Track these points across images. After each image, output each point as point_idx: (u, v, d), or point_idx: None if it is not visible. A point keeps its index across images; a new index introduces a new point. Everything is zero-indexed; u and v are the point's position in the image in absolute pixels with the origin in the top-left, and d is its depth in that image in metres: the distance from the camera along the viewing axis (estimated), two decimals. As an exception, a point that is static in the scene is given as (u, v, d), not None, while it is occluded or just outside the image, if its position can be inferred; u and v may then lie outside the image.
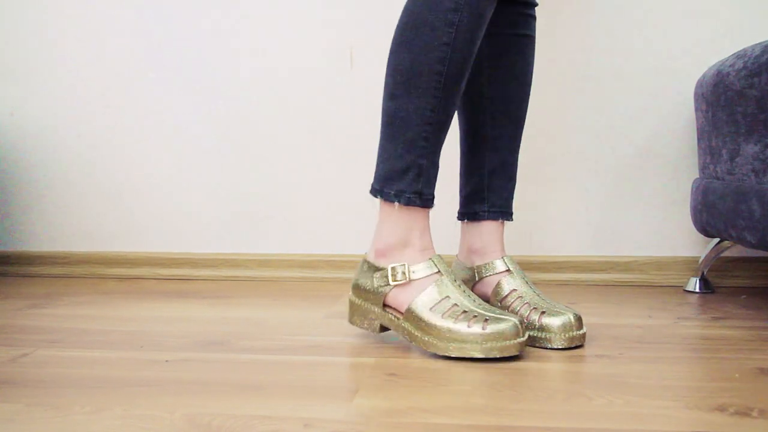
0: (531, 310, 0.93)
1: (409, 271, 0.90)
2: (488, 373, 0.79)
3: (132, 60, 1.51)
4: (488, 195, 1.05)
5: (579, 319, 0.90)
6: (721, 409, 0.67)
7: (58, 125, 1.55)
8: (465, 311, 0.85)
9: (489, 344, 0.83)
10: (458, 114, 1.08)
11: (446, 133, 0.93)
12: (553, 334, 0.89)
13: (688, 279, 1.30)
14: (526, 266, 1.38)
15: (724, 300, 1.19)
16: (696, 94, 1.19)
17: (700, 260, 1.26)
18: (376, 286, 0.92)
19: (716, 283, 1.31)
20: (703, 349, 0.88)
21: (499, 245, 1.04)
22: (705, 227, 1.16)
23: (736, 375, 0.77)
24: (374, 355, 0.87)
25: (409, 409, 0.68)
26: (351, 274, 1.44)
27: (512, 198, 1.08)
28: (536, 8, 1.07)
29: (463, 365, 0.82)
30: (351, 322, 0.96)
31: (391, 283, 0.90)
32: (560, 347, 0.89)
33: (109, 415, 0.68)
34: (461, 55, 0.89)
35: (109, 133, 1.54)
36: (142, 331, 1.02)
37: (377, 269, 0.92)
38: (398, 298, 0.90)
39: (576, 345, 0.89)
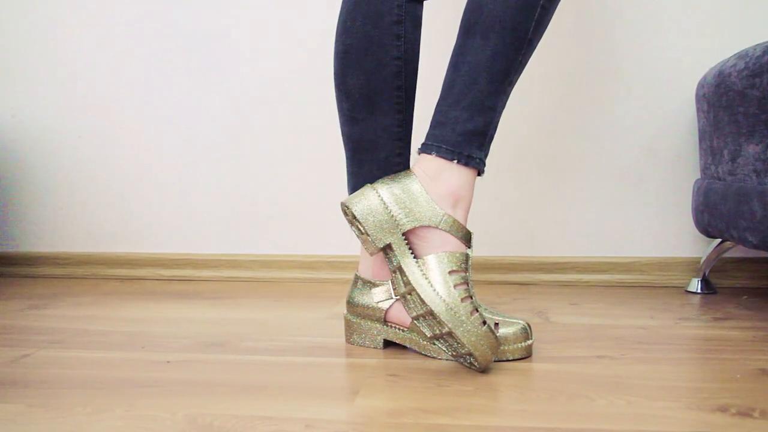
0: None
1: None
2: (490, 374, 0.79)
3: (133, 62, 1.51)
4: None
5: (529, 326, 0.86)
6: (723, 409, 0.67)
7: (60, 126, 1.56)
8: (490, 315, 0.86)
9: (502, 347, 0.83)
10: None
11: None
12: (510, 345, 0.84)
13: (690, 280, 1.30)
14: (527, 267, 1.38)
15: (725, 301, 1.19)
16: (697, 94, 1.19)
17: (702, 261, 1.26)
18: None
19: (718, 284, 1.31)
20: (705, 349, 0.88)
21: None
22: (706, 228, 1.16)
23: (738, 376, 0.77)
24: (375, 356, 0.87)
25: (411, 409, 0.68)
26: (352, 275, 1.44)
27: None
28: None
29: (464, 366, 0.82)
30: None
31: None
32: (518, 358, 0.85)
33: (111, 416, 0.68)
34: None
35: (111, 134, 1.54)
36: (144, 331, 1.02)
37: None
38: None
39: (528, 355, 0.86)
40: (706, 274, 1.27)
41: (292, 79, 1.46)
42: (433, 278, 0.79)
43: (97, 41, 1.52)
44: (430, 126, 0.85)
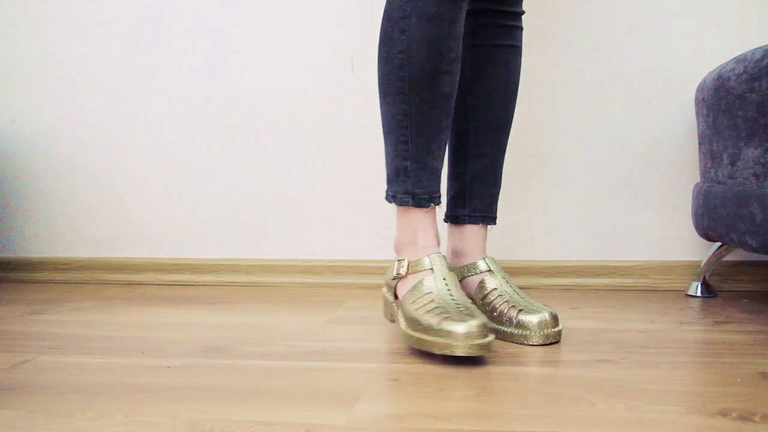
0: (509, 308, 0.96)
1: (407, 266, 0.95)
2: (490, 378, 0.79)
3: (134, 66, 1.51)
4: (470, 200, 1.08)
5: (555, 317, 0.94)
6: (724, 413, 0.67)
7: (60, 132, 1.56)
8: (438, 306, 0.87)
9: (447, 340, 0.82)
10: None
11: (434, 134, 0.95)
12: (529, 331, 0.93)
13: (690, 283, 1.30)
14: (528, 271, 1.38)
15: (725, 304, 1.19)
16: (697, 98, 1.20)
17: (702, 264, 1.26)
18: (389, 278, 1.00)
19: (718, 288, 1.31)
20: (705, 353, 0.88)
21: (479, 248, 1.07)
22: (706, 231, 1.16)
23: (739, 379, 0.77)
24: (376, 361, 0.87)
25: (412, 414, 0.68)
26: (352, 279, 1.44)
27: (495, 202, 1.09)
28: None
29: (465, 370, 0.82)
30: (384, 315, 1.04)
31: (396, 275, 0.96)
32: (536, 344, 0.93)
33: (111, 422, 0.68)
34: (418, 59, 0.91)
35: (111, 139, 1.54)
36: (144, 336, 1.02)
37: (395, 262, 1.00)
38: (399, 290, 0.97)
39: (551, 342, 0.93)
40: (707, 277, 1.27)
41: (293, 83, 1.46)
42: None
43: (97, 46, 1.52)
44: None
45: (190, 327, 1.08)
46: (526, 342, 0.93)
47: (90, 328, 1.09)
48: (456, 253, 1.08)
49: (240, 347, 0.95)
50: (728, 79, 1.05)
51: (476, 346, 0.82)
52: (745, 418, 0.65)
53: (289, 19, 1.45)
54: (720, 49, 1.30)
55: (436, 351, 0.83)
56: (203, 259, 1.51)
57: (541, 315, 0.93)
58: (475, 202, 1.08)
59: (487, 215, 1.08)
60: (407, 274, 0.95)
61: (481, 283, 1.02)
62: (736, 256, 1.31)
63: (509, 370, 0.82)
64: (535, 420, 0.66)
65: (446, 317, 0.84)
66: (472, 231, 1.07)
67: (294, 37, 1.45)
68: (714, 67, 1.22)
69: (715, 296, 1.26)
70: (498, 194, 1.10)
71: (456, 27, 0.92)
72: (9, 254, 1.61)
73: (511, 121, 1.09)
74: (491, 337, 0.84)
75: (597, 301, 1.24)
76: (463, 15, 0.93)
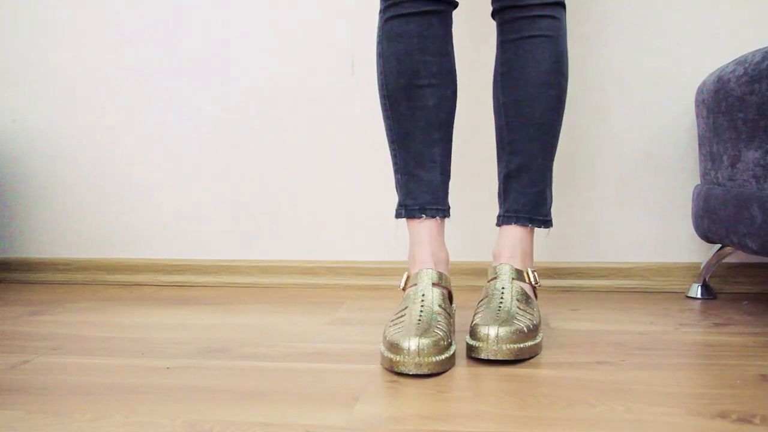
0: (475, 317, 0.90)
1: (405, 280, 0.97)
2: (490, 380, 0.79)
3: (133, 67, 1.52)
4: (505, 199, 1.04)
5: (516, 332, 0.85)
6: (724, 415, 0.67)
7: (60, 132, 1.56)
8: (402, 323, 0.86)
9: (398, 357, 0.80)
10: None
11: (423, 146, 0.98)
12: (481, 344, 0.85)
13: (690, 285, 1.30)
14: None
15: (725, 306, 1.19)
16: (697, 100, 1.20)
17: (702, 266, 1.26)
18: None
19: (718, 290, 1.31)
20: (705, 355, 0.88)
21: (506, 250, 1.00)
22: (706, 233, 1.16)
23: (738, 381, 0.77)
24: (376, 362, 0.87)
25: (411, 416, 0.68)
26: (352, 281, 1.44)
27: (535, 204, 1.02)
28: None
29: (464, 372, 0.82)
30: None
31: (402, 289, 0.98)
32: (486, 358, 0.85)
33: (110, 423, 0.68)
34: (392, 77, 0.98)
35: (111, 139, 1.54)
36: (143, 337, 1.02)
37: None
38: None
39: (508, 359, 0.85)
40: (707, 279, 1.27)
41: (293, 86, 1.46)
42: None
43: (97, 46, 1.52)
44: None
45: (190, 328, 1.08)
46: (475, 355, 0.86)
47: (89, 329, 1.09)
48: (493, 255, 1.02)
49: (239, 348, 0.95)
50: (728, 81, 1.05)
51: (425, 364, 0.79)
52: (745, 420, 0.65)
53: (290, 19, 1.45)
54: (720, 51, 1.30)
55: (385, 367, 0.82)
56: (203, 260, 1.51)
57: (494, 329, 0.85)
58: (509, 202, 1.03)
59: (521, 216, 1.01)
60: (404, 288, 0.96)
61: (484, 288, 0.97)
62: (736, 258, 1.31)
63: (508, 371, 0.82)
64: (534, 421, 0.66)
65: (402, 333, 0.82)
66: (504, 232, 1.02)
67: (294, 37, 1.45)
68: (714, 69, 1.22)
69: (715, 298, 1.26)
70: (540, 197, 1.03)
71: (429, 42, 0.96)
72: (9, 254, 1.61)
73: (550, 117, 1.02)
74: (446, 355, 0.81)
75: (597, 303, 1.24)
76: (441, 30, 0.97)
